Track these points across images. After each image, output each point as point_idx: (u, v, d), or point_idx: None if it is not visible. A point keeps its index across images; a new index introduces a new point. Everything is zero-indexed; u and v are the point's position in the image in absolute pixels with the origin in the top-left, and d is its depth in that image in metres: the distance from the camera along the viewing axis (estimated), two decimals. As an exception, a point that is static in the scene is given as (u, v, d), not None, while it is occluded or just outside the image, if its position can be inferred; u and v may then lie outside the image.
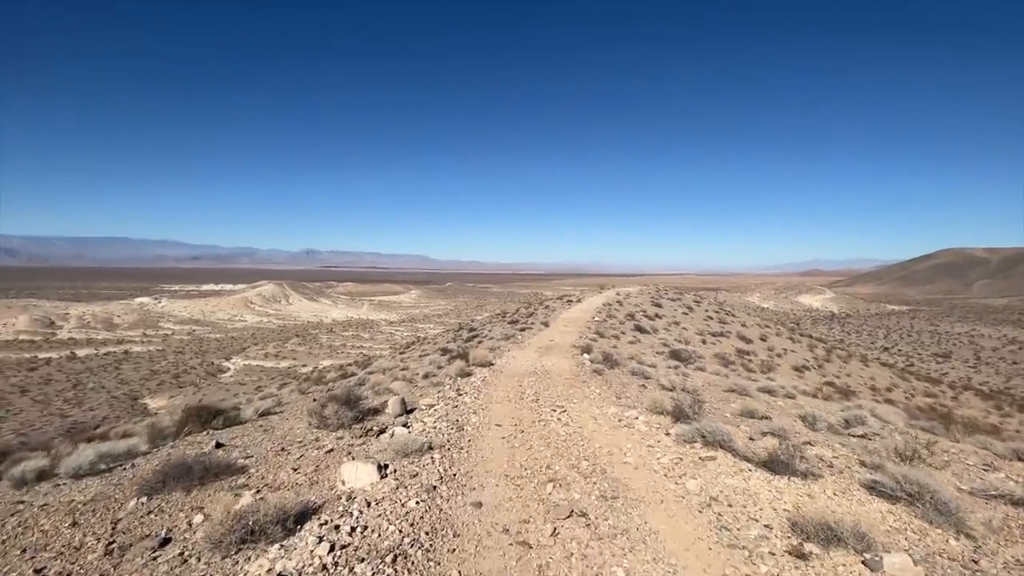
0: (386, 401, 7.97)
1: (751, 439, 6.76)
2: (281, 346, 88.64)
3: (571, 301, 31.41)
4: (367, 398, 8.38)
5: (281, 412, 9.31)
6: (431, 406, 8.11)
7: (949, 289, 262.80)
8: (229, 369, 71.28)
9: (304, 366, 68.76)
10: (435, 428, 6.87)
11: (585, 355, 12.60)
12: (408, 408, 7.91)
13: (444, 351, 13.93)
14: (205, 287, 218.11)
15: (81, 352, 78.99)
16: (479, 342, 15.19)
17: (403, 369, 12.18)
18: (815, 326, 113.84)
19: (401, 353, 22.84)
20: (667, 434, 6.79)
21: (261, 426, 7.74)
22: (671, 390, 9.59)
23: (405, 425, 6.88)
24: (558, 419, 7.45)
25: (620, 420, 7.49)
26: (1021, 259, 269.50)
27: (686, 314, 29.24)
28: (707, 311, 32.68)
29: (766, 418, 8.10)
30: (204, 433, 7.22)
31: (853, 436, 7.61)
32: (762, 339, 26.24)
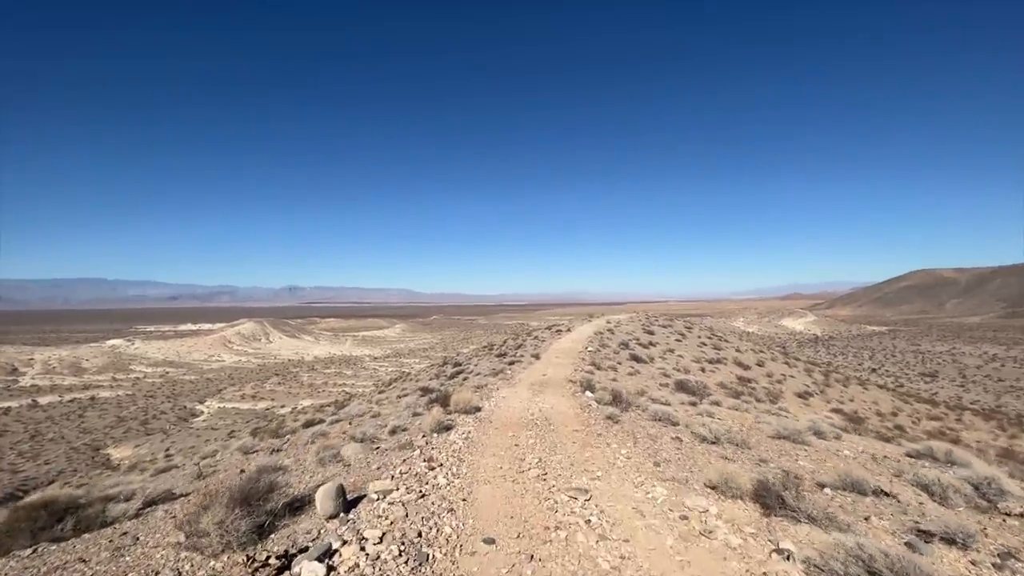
0: (319, 486, 5.26)
1: (913, 549, 4.29)
2: (260, 386, 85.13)
3: (560, 331, 30.31)
4: (284, 486, 5.79)
5: (177, 501, 6.65)
6: (386, 493, 5.47)
7: (923, 309, 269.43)
8: (203, 413, 67.71)
9: (283, 407, 65.68)
10: (378, 561, 4.00)
11: (588, 393, 10.88)
12: (350, 500, 5.26)
13: (424, 391, 12.51)
14: (182, 327, 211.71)
15: (44, 400, 74.66)
16: (464, 379, 13.85)
17: (373, 416, 10.54)
18: (801, 349, 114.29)
19: (380, 392, 21.28)
20: (782, 554, 4.19)
21: (123, 536, 5.14)
22: (715, 443, 7.63)
23: (325, 556, 4.00)
24: (586, 520, 4.87)
25: (684, 517, 4.91)
26: (988, 278, 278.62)
27: (679, 341, 28.34)
28: (700, 337, 31.85)
29: (885, 494, 5.85)
30: (30, 552, 4.71)
31: (1009, 515, 5.40)
32: (759, 364, 25.37)
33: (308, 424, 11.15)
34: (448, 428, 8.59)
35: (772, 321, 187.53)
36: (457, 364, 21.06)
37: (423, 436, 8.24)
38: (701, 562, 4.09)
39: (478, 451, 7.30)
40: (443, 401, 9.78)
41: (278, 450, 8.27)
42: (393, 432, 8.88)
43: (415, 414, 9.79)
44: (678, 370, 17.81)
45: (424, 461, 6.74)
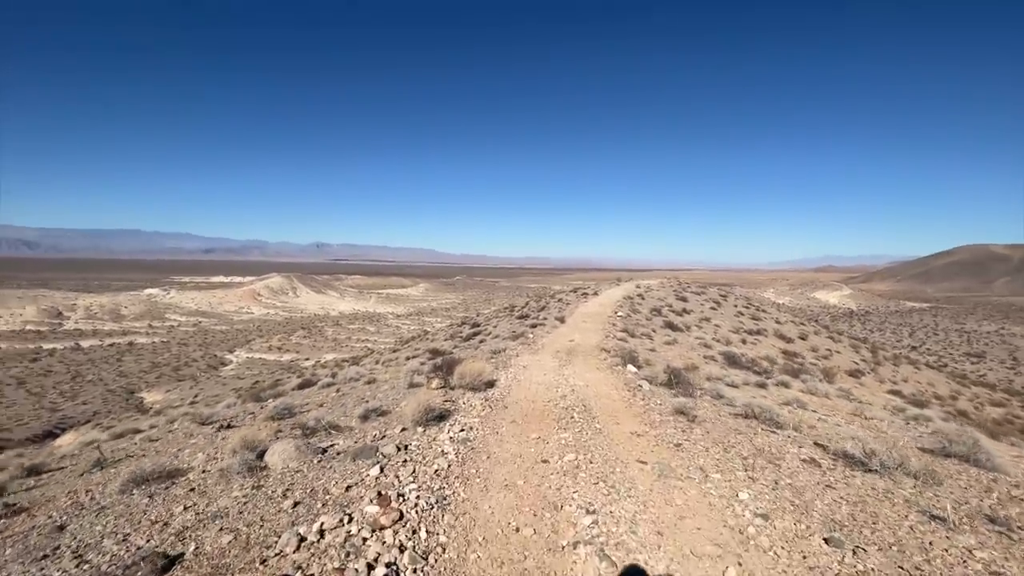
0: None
1: None
2: (286, 339, 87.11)
3: (586, 294, 28.74)
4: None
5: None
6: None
7: (968, 287, 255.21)
8: (231, 362, 69.79)
9: (307, 359, 67.04)
10: None
11: (631, 368, 8.57)
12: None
13: (433, 353, 11.29)
14: (215, 279, 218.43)
15: (85, 343, 78.33)
16: (480, 341, 12.57)
17: (367, 382, 9.18)
18: (835, 323, 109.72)
19: (394, 351, 20.41)
20: None
21: None
22: (879, 471, 4.75)
23: None
24: None
25: None
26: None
27: (714, 309, 26.44)
28: (736, 306, 29.81)
29: None
30: None
31: None
32: (802, 338, 23.41)
33: (302, 386, 10.10)
34: (441, 417, 5.96)
35: (804, 293, 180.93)
36: (475, 325, 19.91)
37: (401, 430, 5.69)
38: None
39: (479, 475, 4.47)
40: (447, 369, 7.50)
41: (228, 426, 6.97)
42: (366, 417, 6.43)
43: (411, 385, 7.85)
44: (718, 340, 16.16)
45: (375, 501, 3.83)
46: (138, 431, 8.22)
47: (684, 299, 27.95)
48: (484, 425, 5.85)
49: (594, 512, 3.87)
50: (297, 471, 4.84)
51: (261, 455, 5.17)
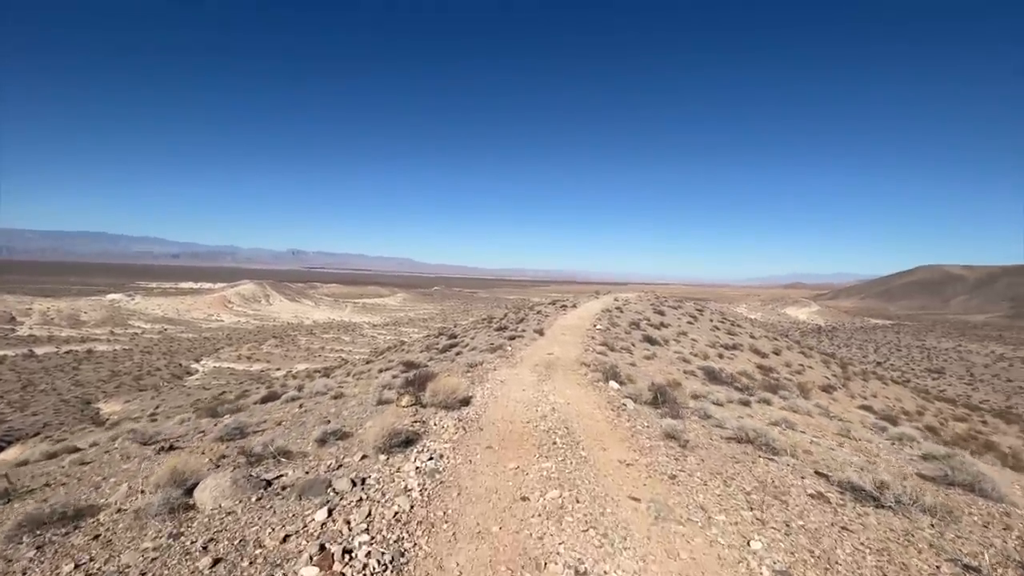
0: None
1: None
2: (256, 348, 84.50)
3: (565, 306, 28.69)
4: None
5: None
6: None
7: (926, 305, 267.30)
8: (197, 371, 67.17)
9: (278, 369, 65.04)
10: None
11: (614, 384, 8.21)
12: None
13: (407, 366, 10.86)
14: (183, 285, 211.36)
15: (40, 350, 74.24)
16: (457, 354, 12.22)
17: (334, 396, 8.61)
18: (805, 338, 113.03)
19: (368, 362, 19.82)
20: None
21: None
22: (893, 508, 4.37)
23: None
24: None
25: None
26: (998, 277, 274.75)
27: (691, 323, 26.71)
28: (712, 321, 30.21)
29: None
30: None
31: None
32: (776, 353, 23.79)
33: (266, 399, 9.57)
34: (408, 442, 5.22)
35: (775, 309, 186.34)
36: (453, 336, 19.53)
37: (361, 458, 4.93)
38: None
39: (447, 519, 3.75)
40: (419, 385, 6.93)
41: (170, 448, 6.36)
42: (323, 441, 5.63)
43: (381, 401, 7.19)
44: (696, 355, 16.22)
45: (315, 560, 3.16)
46: (76, 449, 7.51)
47: (662, 313, 28.17)
48: (456, 452, 5.15)
49: (585, 573, 3.19)
50: (229, 513, 4.03)
51: (191, 490, 4.36)
